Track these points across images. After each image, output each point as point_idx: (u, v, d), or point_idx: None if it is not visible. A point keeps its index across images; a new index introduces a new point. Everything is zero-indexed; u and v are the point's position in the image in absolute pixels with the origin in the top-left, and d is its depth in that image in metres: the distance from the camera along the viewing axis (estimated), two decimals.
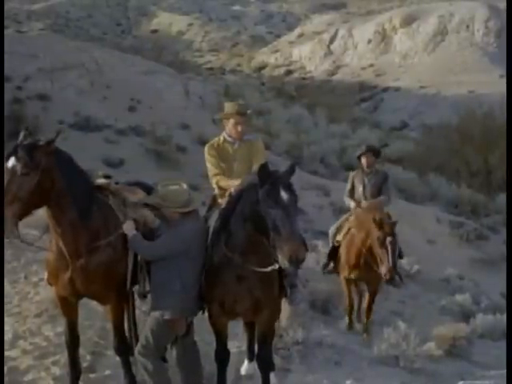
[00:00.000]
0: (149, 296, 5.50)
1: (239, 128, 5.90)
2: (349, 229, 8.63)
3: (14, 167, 4.65)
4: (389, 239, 7.78)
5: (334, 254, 8.85)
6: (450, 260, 15.84)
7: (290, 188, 4.75)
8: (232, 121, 5.89)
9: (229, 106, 5.98)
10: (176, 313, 5.15)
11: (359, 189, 8.95)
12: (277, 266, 4.72)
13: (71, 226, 4.97)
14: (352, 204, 8.84)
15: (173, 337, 5.29)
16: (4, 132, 14.42)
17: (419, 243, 16.77)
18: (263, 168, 4.79)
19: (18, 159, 4.66)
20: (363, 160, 8.89)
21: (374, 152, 9.01)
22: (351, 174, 9.32)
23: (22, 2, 74.36)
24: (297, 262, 4.48)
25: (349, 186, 9.06)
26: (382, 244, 7.80)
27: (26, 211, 4.73)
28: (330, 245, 9.00)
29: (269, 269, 4.86)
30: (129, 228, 5.22)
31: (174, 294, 5.11)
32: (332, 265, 8.93)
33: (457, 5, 59.71)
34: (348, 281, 8.67)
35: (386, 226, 7.85)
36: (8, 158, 4.69)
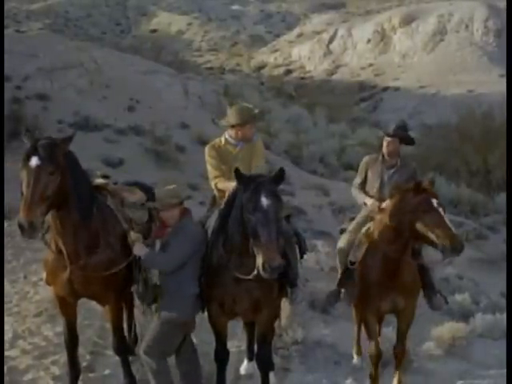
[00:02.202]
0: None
1: (250, 133, 5.81)
2: (370, 241, 5.93)
3: (39, 166, 4.58)
4: (436, 201, 5.49)
5: (347, 278, 6.17)
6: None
7: (272, 194, 4.75)
8: (243, 129, 5.77)
9: (237, 113, 5.77)
10: (189, 314, 5.22)
11: (375, 184, 6.40)
12: (256, 272, 4.75)
13: (73, 227, 4.96)
14: (370, 202, 6.25)
15: (182, 337, 5.31)
16: (4, 132, 14.41)
17: None
18: (239, 173, 4.83)
19: (41, 158, 4.60)
20: (384, 145, 6.42)
21: (403, 138, 6.45)
22: (365, 159, 6.68)
23: (21, 2, 74.22)
24: (271, 270, 4.52)
25: (359, 179, 6.56)
26: (430, 207, 5.42)
27: (48, 211, 4.71)
28: (340, 265, 6.33)
29: (250, 276, 4.88)
30: (139, 249, 5.17)
31: (189, 296, 5.15)
32: (344, 295, 6.30)
33: (456, 4, 59.67)
34: (372, 317, 6.01)
35: (429, 189, 5.58)
36: (29, 158, 4.61)
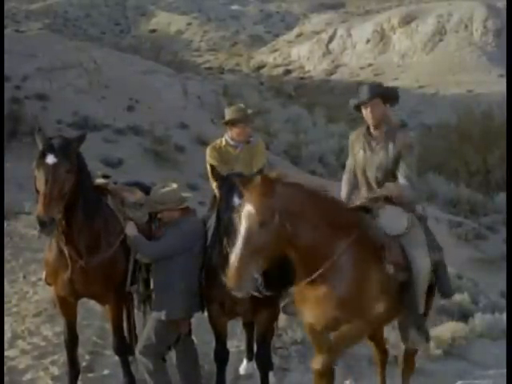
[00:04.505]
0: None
1: (244, 133, 5.85)
2: None
3: (56, 164, 4.60)
4: (249, 210, 4.14)
5: None
6: (449, 259, 15.77)
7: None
8: (236, 129, 5.82)
9: (231, 113, 5.87)
10: (181, 314, 5.18)
11: (360, 165, 5.07)
12: None
13: (78, 227, 4.97)
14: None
15: (175, 336, 5.30)
16: (4, 132, 14.41)
17: None
18: (215, 172, 4.91)
19: (58, 156, 4.61)
20: (367, 113, 4.87)
21: (385, 97, 4.88)
22: (350, 136, 5.39)
23: (20, 2, 74.19)
24: None
25: (351, 160, 5.33)
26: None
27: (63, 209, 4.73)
28: None
29: None
30: (131, 229, 5.21)
31: (178, 294, 5.11)
32: None
33: (455, 4, 59.71)
34: (310, 329, 4.78)
35: (246, 187, 4.23)
36: (44, 156, 4.62)
